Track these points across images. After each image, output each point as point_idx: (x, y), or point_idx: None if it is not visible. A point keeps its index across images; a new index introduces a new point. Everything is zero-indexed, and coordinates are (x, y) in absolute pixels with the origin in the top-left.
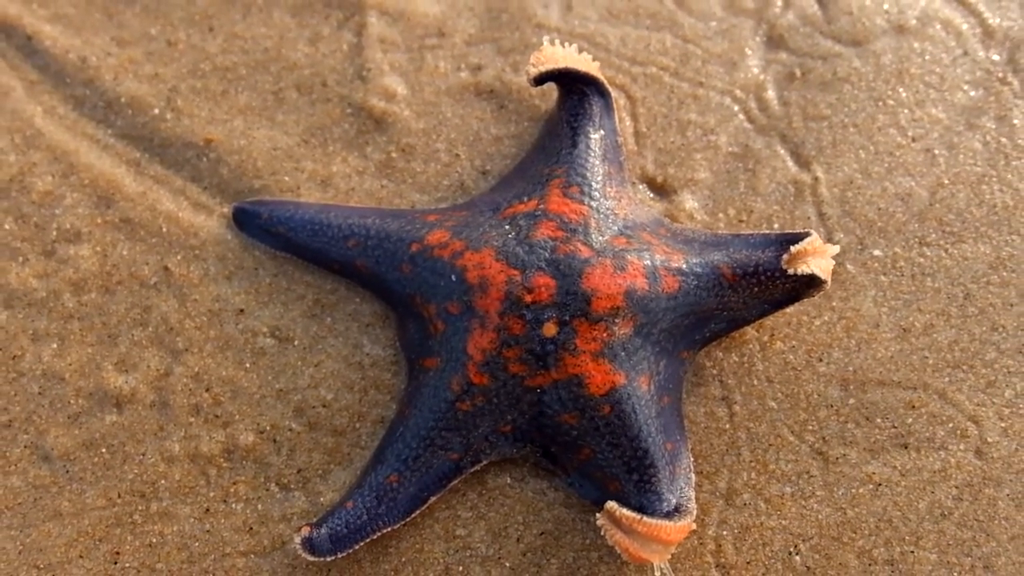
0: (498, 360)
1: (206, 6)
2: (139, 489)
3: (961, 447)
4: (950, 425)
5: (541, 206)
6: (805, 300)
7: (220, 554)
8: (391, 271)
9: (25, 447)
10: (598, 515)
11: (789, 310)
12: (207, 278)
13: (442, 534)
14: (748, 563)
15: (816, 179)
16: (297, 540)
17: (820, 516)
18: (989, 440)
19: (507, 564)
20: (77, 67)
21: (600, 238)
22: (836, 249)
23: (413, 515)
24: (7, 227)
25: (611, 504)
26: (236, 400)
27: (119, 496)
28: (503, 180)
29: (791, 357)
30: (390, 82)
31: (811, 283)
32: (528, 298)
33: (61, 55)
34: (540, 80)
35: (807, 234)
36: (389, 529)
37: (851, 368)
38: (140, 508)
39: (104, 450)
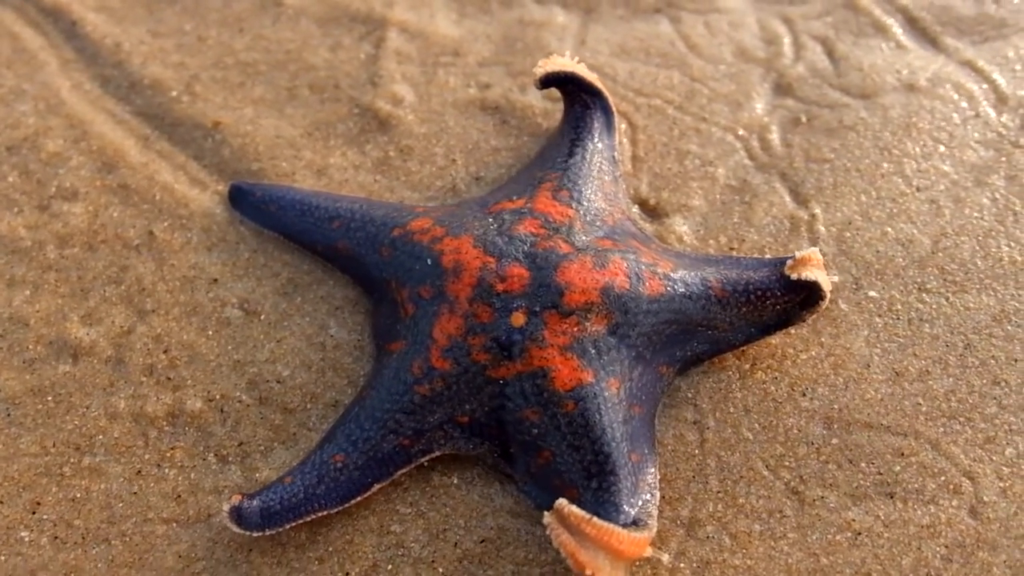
0: (462, 346)
1: (240, 10)
2: (75, 442)
3: (954, 503)
4: (942, 478)
5: (528, 205)
6: (792, 332)
7: (142, 518)
8: (370, 254)
9: None
10: (546, 513)
11: (774, 341)
12: (188, 246)
13: (376, 528)
14: None
15: (813, 216)
16: (225, 508)
17: (790, 560)
18: (985, 499)
19: (440, 569)
20: (110, 51)
21: (584, 238)
22: (835, 278)
23: (352, 501)
24: (11, 180)
25: (561, 501)
26: (191, 365)
27: (54, 446)
28: (497, 187)
29: (772, 388)
30: (399, 89)
31: (806, 302)
32: (500, 287)
33: (98, 40)
34: (546, 82)
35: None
36: (324, 513)
37: (836, 407)
38: (72, 461)
39: (50, 398)
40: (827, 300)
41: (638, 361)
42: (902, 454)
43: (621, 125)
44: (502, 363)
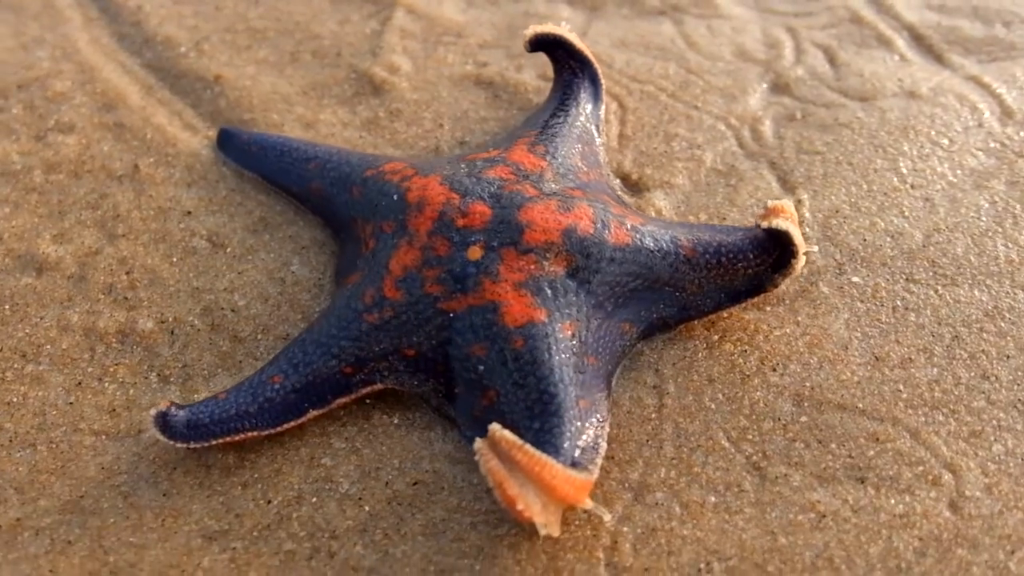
0: (416, 277)
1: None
2: (22, 349)
3: (931, 495)
4: (920, 468)
5: (502, 155)
6: (767, 310)
7: (72, 428)
8: (341, 193)
9: None
10: (478, 440)
11: (746, 316)
12: (169, 181)
13: (306, 459)
14: (646, 569)
15: (799, 202)
16: (152, 413)
17: (745, 536)
18: (967, 494)
19: (367, 508)
20: (131, 11)
21: (553, 186)
22: (815, 250)
23: (285, 425)
24: (14, 112)
25: (495, 425)
26: (150, 288)
27: (0, 351)
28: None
29: (740, 361)
30: (398, 60)
31: (779, 263)
32: (460, 221)
33: (122, 2)
34: (535, 44)
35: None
36: (254, 434)
37: (808, 385)
38: (15, 367)
39: (7, 307)
40: (800, 260)
41: (598, 310)
42: (877, 439)
43: (611, 105)
44: (454, 295)
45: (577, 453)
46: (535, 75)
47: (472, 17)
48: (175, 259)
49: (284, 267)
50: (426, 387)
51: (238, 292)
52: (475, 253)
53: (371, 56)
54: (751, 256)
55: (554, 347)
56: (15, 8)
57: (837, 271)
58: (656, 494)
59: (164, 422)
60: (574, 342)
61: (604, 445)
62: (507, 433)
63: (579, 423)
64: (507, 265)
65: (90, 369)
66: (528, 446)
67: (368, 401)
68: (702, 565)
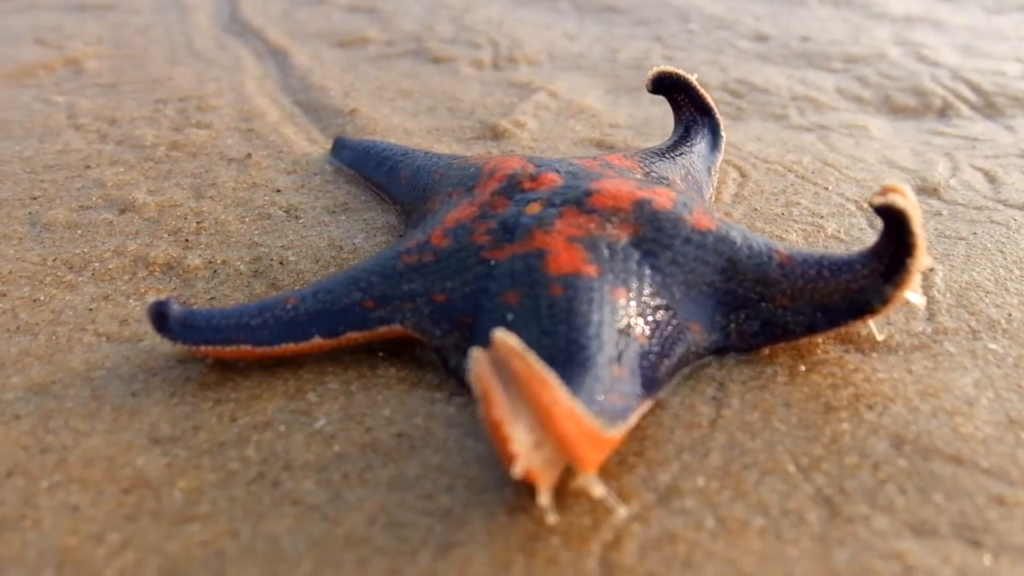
0: (467, 227)
1: (421, 69)
2: (72, 262)
3: None
4: None
5: (596, 156)
6: (873, 356)
7: (79, 327)
8: (425, 176)
9: (27, 215)
10: (476, 349)
11: (846, 356)
12: (272, 168)
13: (292, 392)
14: (650, 574)
15: (931, 270)
16: (150, 299)
17: (796, 569)
18: None
19: (336, 448)
20: (302, 72)
21: (637, 177)
22: (929, 262)
23: (283, 348)
24: (167, 113)
25: (499, 330)
26: (213, 236)
27: (53, 261)
28: None
29: (829, 393)
30: (526, 119)
31: (891, 269)
32: (528, 184)
33: (297, 66)
34: (658, 84)
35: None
36: (248, 350)
37: (915, 429)
38: (57, 274)
39: (79, 232)
40: (918, 260)
41: (663, 293)
42: (1002, 503)
43: (730, 172)
44: (500, 245)
45: (596, 409)
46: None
47: (611, 105)
48: (247, 219)
49: (347, 239)
50: (447, 340)
51: (292, 250)
52: (533, 208)
53: (502, 116)
54: (858, 267)
55: (597, 304)
56: (208, 60)
57: (971, 336)
58: (687, 501)
59: (159, 312)
60: (623, 310)
61: (634, 420)
62: (512, 338)
63: (605, 386)
64: (565, 221)
65: (123, 287)
66: (533, 357)
67: (380, 353)
68: None
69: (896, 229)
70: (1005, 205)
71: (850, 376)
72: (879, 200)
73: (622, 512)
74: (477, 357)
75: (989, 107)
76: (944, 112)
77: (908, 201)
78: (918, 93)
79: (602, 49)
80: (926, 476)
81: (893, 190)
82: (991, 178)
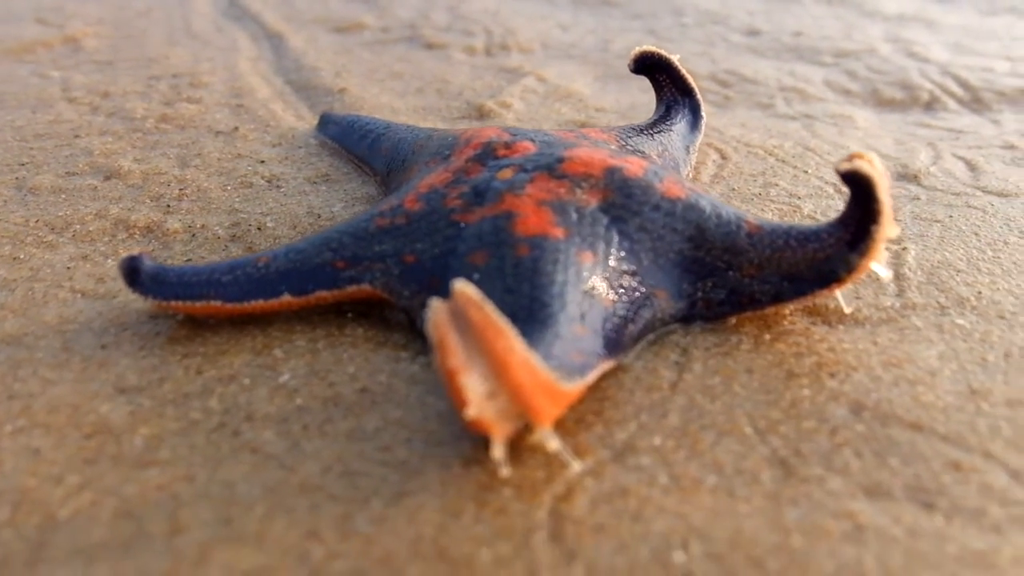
0: (440, 192)
1: (414, 55)
2: (54, 223)
3: None
4: (1017, 509)
5: (574, 130)
6: (840, 328)
7: (56, 284)
8: (404, 147)
9: (14, 180)
10: (435, 300)
11: (812, 328)
12: (258, 140)
13: (259, 348)
14: (598, 528)
15: (904, 249)
16: (123, 255)
17: (745, 525)
18: None
19: (298, 401)
20: (297, 54)
21: (612, 148)
22: (896, 230)
23: (252, 304)
24: (159, 88)
25: (459, 280)
26: (195, 202)
27: (35, 222)
28: None
29: (792, 361)
30: (513, 101)
31: (856, 237)
32: (502, 152)
33: (293, 48)
34: (639, 63)
35: None
36: (217, 306)
37: (875, 397)
38: (38, 234)
39: (63, 196)
40: (883, 227)
41: (630, 257)
42: (958, 468)
43: (710, 154)
44: (471, 208)
45: (555, 364)
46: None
47: (599, 90)
48: (229, 187)
49: (325, 207)
50: (415, 300)
51: (271, 216)
52: (505, 174)
53: (489, 97)
54: (824, 236)
55: (562, 265)
56: (204, 41)
57: (939, 312)
58: (642, 458)
59: (131, 267)
60: (591, 272)
61: (592, 377)
62: (471, 288)
63: (568, 342)
64: (536, 185)
65: (103, 248)
66: (491, 308)
67: (349, 314)
68: (677, 541)
69: (862, 196)
70: (984, 191)
71: (815, 346)
72: (845, 166)
73: (576, 466)
74: (435, 307)
75: (976, 102)
76: (931, 105)
77: (874, 168)
78: (906, 87)
79: (595, 40)
80: (883, 441)
81: (860, 157)
82: (972, 166)
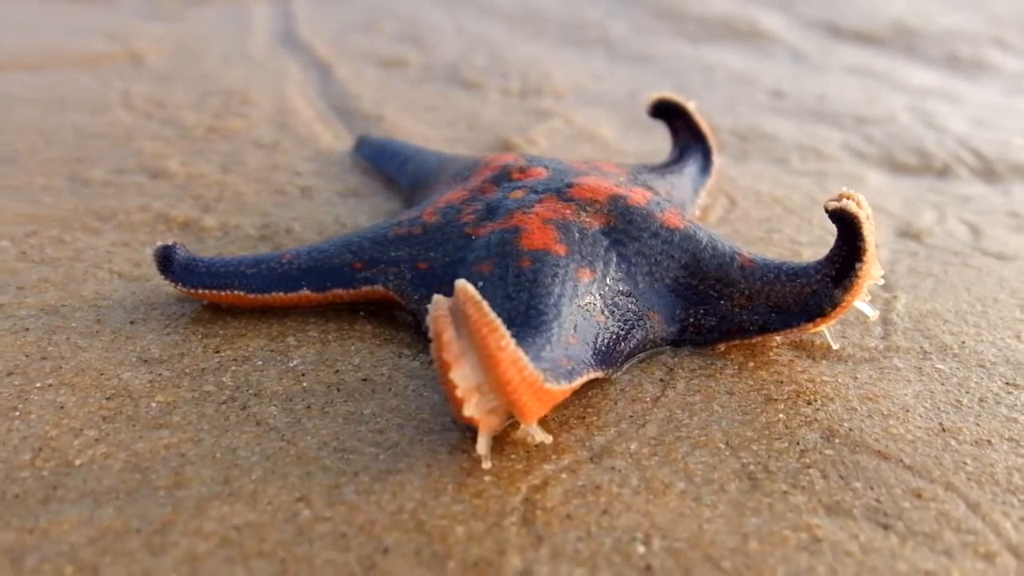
0: (456, 208)
1: (457, 101)
2: (100, 212)
3: (977, 567)
4: (970, 537)
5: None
6: (822, 363)
7: (96, 265)
8: (430, 168)
9: (69, 172)
10: (437, 296)
11: (796, 361)
12: (297, 155)
13: (274, 335)
14: (567, 517)
15: (895, 297)
16: (158, 244)
17: (708, 527)
18: None
19: (304, 383)
20: (342, 83)
21: (621, 179)
22: (880, 271)
23: (273, 295)
24: (211, 103)
25: (460, 281)
26: (231, 203)
27: (83, 211)
28: None
29: (772, 388)
30: (539, 138)
31: (841, 273)
32: (517, 175)
33: (338, 78)
34: (657, 109)
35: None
36: (240, 295)
37: (847, 426)
38: (85, 221)
39: (112, 190)
40: (868, 265)
41: (627, 280)
42: (919, 496)
43: (720, 199)
44: (483, 223)
45: (545, 366)
46: None
47: (623, 136)
48: (265, 194)
49: (351, 217)
50: (424, 304)
51: (300, 221)
52: (517, 195)
53: (516, 133)
54: (812, 272)
55: (561, 279)
56: (257, 65)
57: (920, 356)
58: (617, 461)
59: (164, 255)
60: (588, 289)
61: (579, 383)
62: (469, 287)
63: (559, 349)
64: (544, 205)
65: (143, 237)
66: (487, 306)
67: (361, 312)
68: (639, 535)
69: (848, 234)
70: (982, 253)
71: (796, 376)
72: (833, 204)
73: (547, 439)
74: (437, 301)
75: (989, 173)
76: (943, 173)
77: (861, 208)
78: (921, 154)
79: (625, 90)
80: (850, 466)
81: (848, 196)
82: (974, 230)
